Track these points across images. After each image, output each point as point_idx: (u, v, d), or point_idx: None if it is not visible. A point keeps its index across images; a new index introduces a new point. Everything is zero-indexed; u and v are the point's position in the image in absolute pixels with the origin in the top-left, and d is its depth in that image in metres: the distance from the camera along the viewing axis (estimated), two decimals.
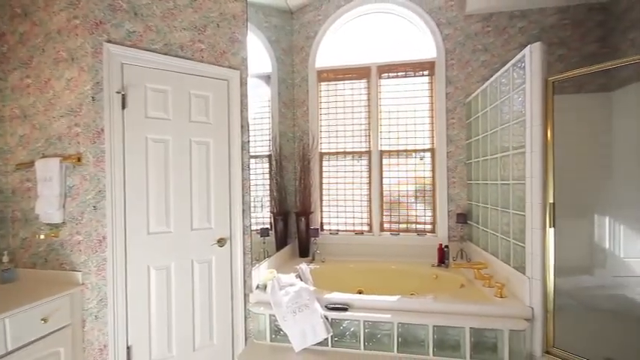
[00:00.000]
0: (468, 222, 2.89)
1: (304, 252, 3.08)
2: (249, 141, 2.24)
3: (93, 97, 1.72)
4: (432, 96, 3.07)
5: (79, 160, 1.72)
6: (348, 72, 3.21)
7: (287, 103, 3.14)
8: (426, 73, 3.08)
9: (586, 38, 2.76)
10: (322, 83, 3.27)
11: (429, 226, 3.08)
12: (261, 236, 2.50)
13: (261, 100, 2.64)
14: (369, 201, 3.18)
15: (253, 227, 2.30)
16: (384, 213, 3.17)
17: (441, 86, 2.99)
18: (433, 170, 3.06)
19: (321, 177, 3.26)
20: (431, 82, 3.08)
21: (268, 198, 2.71)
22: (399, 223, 3.14)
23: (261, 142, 2.60)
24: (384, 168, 3.16)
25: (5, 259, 1.77)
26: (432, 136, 3.06)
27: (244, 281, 2.20)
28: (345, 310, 2.00)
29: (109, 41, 1.76)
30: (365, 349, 1.97)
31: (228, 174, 2.16)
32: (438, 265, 2.74)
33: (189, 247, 2.02)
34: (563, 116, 1.84)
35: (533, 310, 1.84)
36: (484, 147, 2.53)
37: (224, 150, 2.15)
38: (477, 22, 2.94)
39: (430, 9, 3.01)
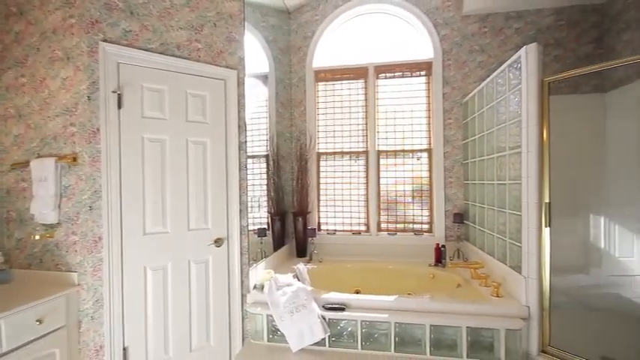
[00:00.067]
0: (465, 222, 2.90)
1: (302, 252, 3.08)
2: (246, 141, 2.24)
3: (89, 97, 1.71)
4: (429, 96, 3.08)
5: (74, 160, 1.71)
6: (345, 72, 3.21)
7: (284, 103, 3.14)
8: (423, 73, 3.09)
9: (581, 39, 2.78)
10: (320, 83, 3.27)
11: (426, 226, 3.09)
12: (259, 236, 2.49)
13: (258, 99, 2.64)
14: (367, 201, 3.18)
15: (250, 227, 2.30)
16: (382, 213, 3.17)
17: (438, 86, 3.01)
18: (430, 170, 3.07)
19: (318, 177, 3.26)
20: (428, 83, 3.09)
21: (265, 198, 2.70)
22: (396, 222, 3.15)
23: (258, 142, 2.60)
24: (382, 168, 3.17)
25: (0, 259, 1.75)
26: (429, 137, 3.07)
27: (241, 281, 2.19)
28: (343, 310, 2.00)
29: (105, 40, 1.74)
30: (362, 348, 1.97)
31: (225, 174, 2.15)
32: (435, 265, 2.75)
33: (186, 247, 2.01)
34: (559, 116, 1.86)
35: (530, 309, 1.85)
36: (481, 147, 2.54)
37: (221, 150, 2.14)
38: (474, 22, 2.96)
39: (427, 9, 3.02)
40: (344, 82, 3.24)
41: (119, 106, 1.80)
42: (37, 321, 1.49)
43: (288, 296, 2.04)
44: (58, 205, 1.73)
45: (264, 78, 2.76)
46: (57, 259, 1.75)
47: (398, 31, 3.18)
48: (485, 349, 1.84)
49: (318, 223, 3.25)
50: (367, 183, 3.18)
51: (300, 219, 3.06)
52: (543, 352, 1.82)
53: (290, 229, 3.15)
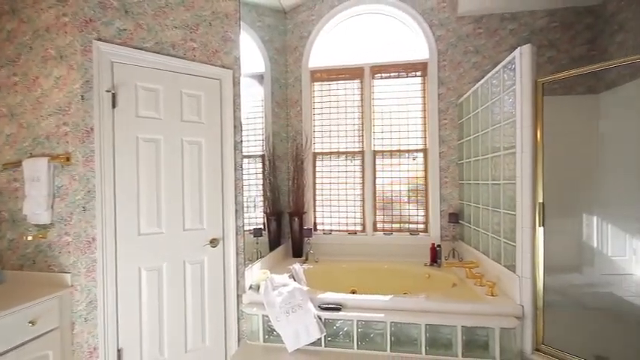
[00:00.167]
0: (460, 221, 2.92)
1: (298, 252, 3.08)
2: (242, 141, 2.23)
3: (82, 96, 1.69)
4: (424, 97, 3.09)
5: (67, 159, 1.69)
6: (341, 72, 3.22)
7: (280, 103, 3.14)
8: (418, 73, 3.10)
9: (575, 41, 2.81)
10: (315, 83, 3.27)
11: (421, 226, 3.10)
12: (255, 236, 2.49)
13: (254, 99, 2.63)
14: (363, 201, 3.19)
15: (246, 227, 2.29)
16: (377, 213, 3.18)
17: (434, 87, 3.02)
18: (426, 170, 3.08)
19: (314, 177, 3.26)
20: (423, 83, 3.10)
21: (261, 198, 2.70)
22: (392, 222, 3.16)
23: (254, 142, 2.59)
24: (377, 168, 3.18)
25: None
26: (425, 137, 3.09)
27: (237, 282, 2.18)
28: (339, 310, 2.00)
29: (99, 39, 1.73)
30: (358, 348, 1.97)
31: (220, 174, 2.15)
32: (431, 265, 2.76)
33: (181, 248, 2.00)
34: (553, 117, 1.87)
35: (524, 308, 1.86)
36: (476, 147, 2.55)
37: (216, 150, 2.13)
38: (469, 23, 2.97)
39: (423, 10, 3.03)
40: (340, 82, 3.24)
41: (113, 105, 1.79)
42: (29, 322, 1.47)
43: (284, 296, 2.04)
44: (50, 205, 1.71)
45: (259, 78, 2.75)
46: (50, 260, 1.73)
47: (393, 32, 3.19)
48: (480, 348, 1.85)
49: (314, 223, 3.25)
50: (363, 183, 3.18)
51: (296, 219, 3.06)
52: (537, 350, 1.83)
53: (286, 229, 3.15)
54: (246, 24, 2.39)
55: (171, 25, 1.98)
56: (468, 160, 2.75)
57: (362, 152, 3.19)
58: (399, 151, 3.14)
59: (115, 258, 1.79)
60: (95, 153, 1.72)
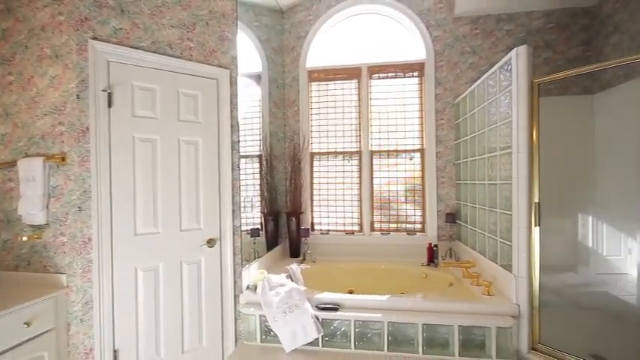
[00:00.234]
0: (457, 221, 2.93)
1: (295, 252, 3.08)
2: (239, 141, 2.23)
3: (78, 95, 1.68)
4: (421, 97, 3.10)
5: (63, 159, 1.68)
6: (338, 72, 3.22)
7: (277, 103, 3.13)
8: (415, 74, 3.11)
9: (571, 42, 2.83)
10: (313, 83, 3.27)
11: (418, 226, 3.11)
12: (252, 236, 2.48)
13: (251, 99, 2.63)
14: (360, 201, 3.19)
15: (243, 227, 2.29)
16: (375, 213, 3.18)
17: (431, 87, 3.03)
18: (423, 170, 3.09)
19: (311, 177, 3.26)
20: (420, 83, 3.11)
21: (258, 198, 2.69)
22: (389, 222, 3.16)
23: (251, 141, 2.59)
24: (375, 168, 3.18)
25: None
26: (422, 137, 3.10)
27: (234, 282, 2.18)
28: (336, 309, 2.00)
29: (95, 38, 1.72)
30: (355, 348, 1.98)
31: (217, 174, 2.14)
32: (428, 264, 2.77)
33: (177, 248, 1.99)
34: (549, 118, 1.88)
35: (520, 307, 1.87)
36: (472, 147, 2.56)
37: (213, 149, 2.13)
38: (466, 24, 2.99)
39: (420, 11, 3.04)
40: (337, 82, 3.24)
41: (109, 104, 1.78)
42: (24, 324, 1.46)
43: (281, 296, 2.04)
44: (46, 205, 1.69)
45: (257, 77, 2.75)
46: (45, 260, 1.72)
47: (391, 32, 3.19)
48: (476, 347, 1.86)
49: (312, 223, 3.25)
50: (360, 183, 3.19)
51: (294, 219, 3.06)
52: (533, 349, 1.84)
53: (283, 229, 3.14)
54: (243, 23, 2.38)
55: (168, 25, 1.97)
56: (464, 160, 2.76)
57: (359, 152, 3.20)
58: (397, 151, 3.15)
59: (111, 258, 1.78)
60: (91, 153, 1.71)
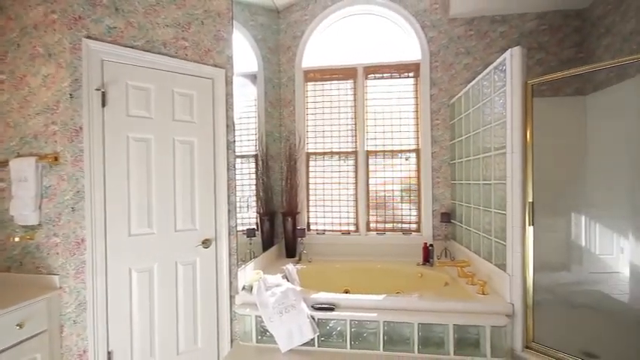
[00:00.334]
0: (452, 221, 2.95)
1: (291, 252, 3.07)
2: (234, 140, 2.22)
3: (71, 95, 1.66)
4: (416, 97, 3.12)
5: (56, 159, 1.66)
6: (334, 72, 3.22)
7: (273, 103, 3.13)
8: (411, 74, 3.13)
9: (563, 43, 2.86)
10: (309, 83, 3.27)
11: (414, 226, 3.12)
12: (248, 237, 2.48)
13: (247, 99, 2.62)
14: (356, 201, 3.20)
15: (239, 228, 2.28)
16: (370, 213, 3.19)
17: (426, 88, 3.04)
18: (418, 170, 3.10)
19: (307, 177, 3.26)
20: (416, 84, 3.12)
21: (254, 198, 2.68)
22: (384, 222, 3.17)
23: (247, 141, 2.58)
24: (370, 168, 3.19)
25: None
26: (417, 137, 3.11)
27: (230, 283, 2.17)
28: (332, 309, 2.00)
29: (89, 37, 1.70)
30: (351, 348, 1.98)
31: (213, 174, 2.13)
32: (423, 264, 2.78)
33: (172, 248, 1.98)
34: (542, 118, 1.90)
35: (514, 306, 1.89)
36: (467, 148, 2.58)
37: (209, 149, 2.12)
38: (460, 25, 3.01)
39: (415, 12, 3.05)
40: (333, 82, 3.24)
41: (103, 104, 1.76)
42: (17, 325, 1.44)
43: (277, 297, 2.04)
44: (38, 206, 1.67)
45: (252, 77, 2.74)
46: (38, 261, 1.70)
47: (386, 33, 3.20)
48: (471, 346, 1.87)
49: (308, 223, 3.25)
50: (356, 183, 3.19)
51: (290, 219, 3.05)
52: (527, 348, 1.86)
53: (279, 230, 3.14)
54: (238, 23, 2.38)
55: (163, 24, 1.96)
56: (459, 161, 2.78)
57: (355, 152, 3.20)
58: (392, 151, 3.16)
59: (104, 259, 1.76)
60: (84, 153, 1.70)
